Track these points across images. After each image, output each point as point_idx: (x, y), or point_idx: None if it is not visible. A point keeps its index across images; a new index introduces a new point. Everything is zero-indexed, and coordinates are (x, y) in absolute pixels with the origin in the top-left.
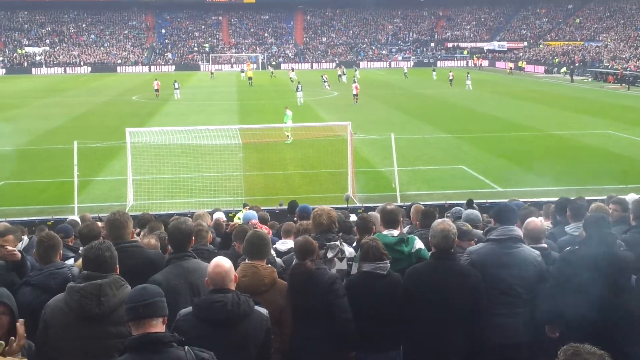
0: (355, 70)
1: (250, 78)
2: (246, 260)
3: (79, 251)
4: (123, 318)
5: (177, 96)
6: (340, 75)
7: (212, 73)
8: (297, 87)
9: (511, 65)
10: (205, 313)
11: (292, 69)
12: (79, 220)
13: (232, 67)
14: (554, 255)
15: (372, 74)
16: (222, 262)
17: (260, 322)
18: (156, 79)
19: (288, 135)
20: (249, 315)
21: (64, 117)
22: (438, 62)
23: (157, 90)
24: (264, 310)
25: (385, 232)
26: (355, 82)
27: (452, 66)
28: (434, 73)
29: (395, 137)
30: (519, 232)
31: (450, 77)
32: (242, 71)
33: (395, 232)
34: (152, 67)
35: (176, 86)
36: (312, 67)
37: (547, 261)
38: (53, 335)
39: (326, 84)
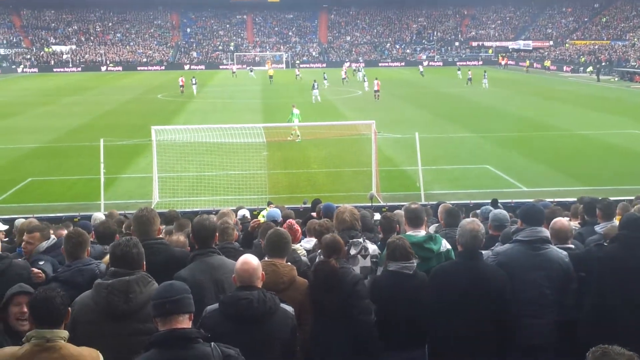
0: (359, 70)
1: (270, 76)
2: (266, 258)
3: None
4: (150, 315)
5: (195, 92)
6: (355, 71)
7: (234, 72)
8: (313, 85)
9: (528, 63)
10: (232, 310)
11: (271, 62)
12: (102, 217)
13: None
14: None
15: (395, 73)
16: (250, 259)
17: (285, 320)
18: (181, 76)
19: (298, 135)
20: (274, 313)
21: (90, 115)
22: (462, 62)
23: (181, 86)
24: (289, 308)
25: (410, 231)
26: (376, 79)
27: (475, 65)
28: (459, 72)
29: (420, 136)
30: (546, 233)
31: (469, 76)
32: (251, 70)
33: (421, 232)
34: (177, 65)
35: (193, 82)
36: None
37: (574, 261)
38: (81, 332)
39: (326, 82)
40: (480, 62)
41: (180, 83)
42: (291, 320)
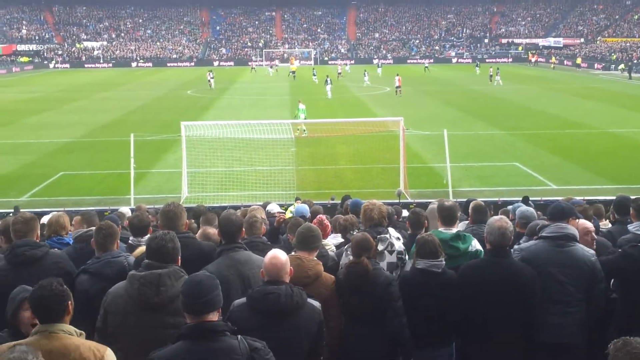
0: (346, 65)
1: (293, 72)
2: (293, 252)
3: (129, 241)
4: (179, 309)
5: (212, 86)
6: (339, 73)
7: (253, 68)
8: (326, 80)
9: (554, 59)
10: (259, 304)
11: (294, 59)
12: (128, 212)
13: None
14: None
15: (423, 70)
16: (279, 254)
17: (312, 315)
18: (210, 71)
19: (304, 130)
20: (301, 308)
21: (120, 111)
22: (491, 59)
23: (209, 80)
24: (316, 304)
25: (442, 228)
26: (397, 75)
27: (505, 62)
28: (478, 69)
29: (448, 133)
30: (572, 230)
31: (491, 73)
32: (271, 67)
33: (452, 230)
34: (206, 62)
35: (211, 76)
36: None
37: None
38: (112, 322)
39: (315, 77)
40: (510, 59)
41: (209, 77)
42: (318, 315)
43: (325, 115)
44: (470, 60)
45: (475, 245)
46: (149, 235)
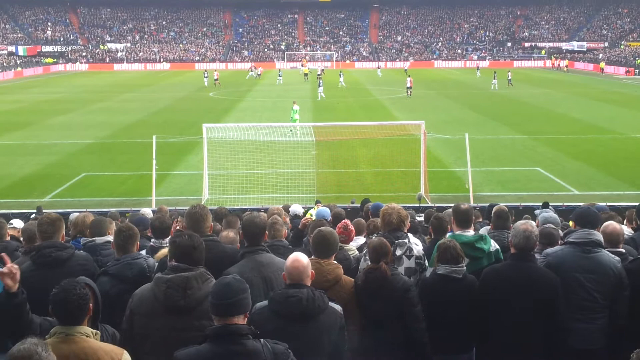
0: (323, 69)
1: (306, 74)
2: (312, 257)
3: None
4: (206, 312)
5: (206, 84)
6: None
7: (251, 70)
8: (319, 82)
9: (567, 62)
10: (281, 307)
11: (253, 67)
12: (149, 213)
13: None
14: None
15: (445, 73)
16: (300, 257)
17: (334, 318)
18: (215, 71)
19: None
20: (323, 311)
21: (143, 112)
22: (515, 62)
23: (216, 79)
24: (338, 307)
25: (458, 232)
26: (409, 76)
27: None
28: (478, 72)
29: (469, 137)
30: (599, 236)
31: (509, 77)
32: (252, 70)
33: (470, 232)
34: (229, 64)
35: (205, 75)
36: (386, 65)
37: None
38: (138, 323)
39: (280, 78)
40: (533, 63)
41: (215, 77)
42: (340, 319)
43: (346, 118)
44: (488, 64)
45: (494, 244)
46: (170, 237)
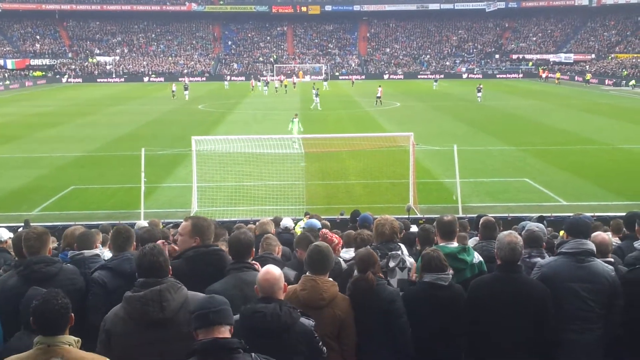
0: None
1: (286, 86)
2: (307, 273)
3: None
4: (184, 321)
5: (187, 98)
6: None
7: (227, 82)
8: (315, 92)
9: (559, 75)
10: (248, 322)
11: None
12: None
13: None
14: (621, 269)
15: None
16: (272, 269)
17: (303, 335)
18: (174, 83)
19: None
20: (290, 328)
21: (132, 125)
22: (502, 74)
23: (173, 91)
24: (308, 322)
25: (442, 243)
26: (379, 86)
27: (516, 78)
28: (435, 84)
29: (458, 149)
30: (591, 245)
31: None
32: (266, 83)
33: (454, 244)
34: (218, 77)
35: (173, 88)
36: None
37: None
38: (116, 343)
39: (316, 99)
40: (521, 75)
41: (173, 88)
42: (309, 334)
43: (335, 130)
44: (481, 76)
45: (478, 256)
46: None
